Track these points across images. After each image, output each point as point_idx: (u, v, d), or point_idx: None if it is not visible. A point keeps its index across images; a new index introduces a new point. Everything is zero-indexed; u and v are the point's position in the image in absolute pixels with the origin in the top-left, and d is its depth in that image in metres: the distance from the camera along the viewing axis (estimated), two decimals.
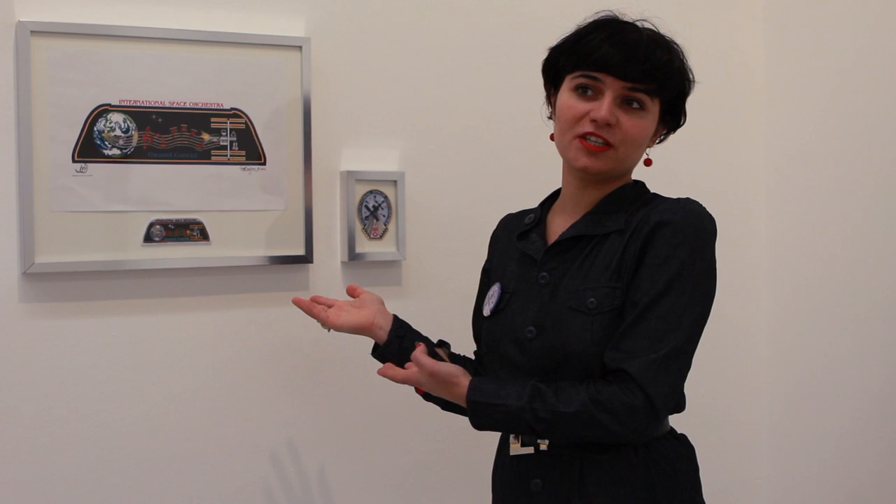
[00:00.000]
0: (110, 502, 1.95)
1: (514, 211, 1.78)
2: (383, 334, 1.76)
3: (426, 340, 1.77)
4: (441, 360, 1.71)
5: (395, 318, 1.79)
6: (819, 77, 2.43)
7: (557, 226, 1.62)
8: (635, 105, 1.52)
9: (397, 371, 1.59)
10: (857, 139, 2.34)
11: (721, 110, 2.52)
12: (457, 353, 1.80)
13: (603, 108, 1.50)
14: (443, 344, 1.78)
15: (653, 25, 1.58)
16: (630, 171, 1.62)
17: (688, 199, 1.55)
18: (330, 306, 1.82)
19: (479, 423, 1.52)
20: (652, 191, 1.63)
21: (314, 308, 1.82)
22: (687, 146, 2.41)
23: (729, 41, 2.54)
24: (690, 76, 1.60)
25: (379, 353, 1.78)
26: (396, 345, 1.75)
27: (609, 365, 1.46)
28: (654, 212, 1.51)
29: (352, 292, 1.87)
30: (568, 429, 1.46)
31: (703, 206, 1.54)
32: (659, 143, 1.64)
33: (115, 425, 1.95)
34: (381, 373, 1.60)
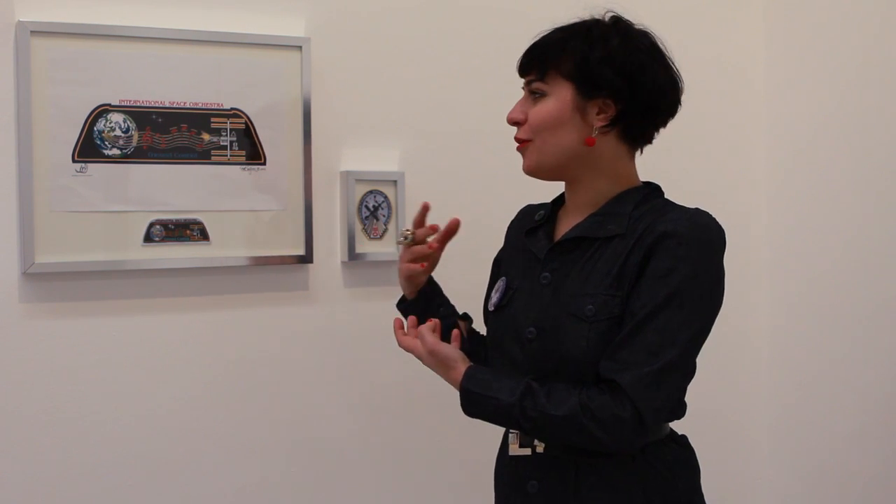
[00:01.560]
0: (111, 502, 1.95)
1: (516, 210, 1.78)
2: (414, 292, 1.79)
3: (452, 311, 1.79)
4: (460, 333, 1.70)
5: (430, 278, 1.81)
6: (819, 80, 2.43)
7: (564, 225, 1.62)
8: (537, 95, 1.56)
9: (404, 338, 1.64)
10: (858, 142, 2.34)
11: (721, 113, 2.52)
12: (477, 330, 1.80)
13: (510, 111, 1.59)
14: (466, 317, 1.80)
15: (615, 13, 1.57)
16: (575, 155, 1.55)
17: (697, 210, 1.51)
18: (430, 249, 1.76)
19: (470, 411, 1.53)
20: (668, 198, 1.59)
21: (424, 234, 1.75)
22: (687, 149, 2.41)
23: (729, 44, 2.54)
24: (608, 39, 1.52)
25: (404, 306, 1.80)
26: (423, 304, 1.77)
27: (602, 374, 1.45)
28: (661, 221, 1.48)
29: (425, 210, 1.77)
30: (555, 431, 1.46)
31: (713, 217, 1.51)
32: (611, 125, 1.53)
33: (116, 425, 1.95)
34: (396, 328, 1.67)
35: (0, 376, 1.86)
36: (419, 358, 1.60)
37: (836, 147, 2.39)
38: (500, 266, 1.73)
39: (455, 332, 1.63)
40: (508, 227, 1.78)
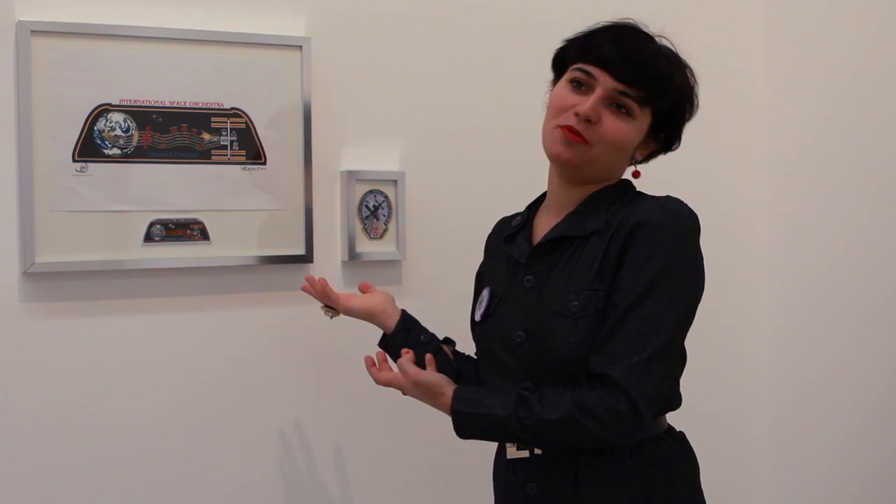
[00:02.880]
0: (110, 501, 1.95)
1: (513, 212, 1.78)
2: (392, 323, 1.80)
3: (433, 337, 1.79)
4: (447, 356, 1.74)
5: (404, 311, 1.83)
6: (819, 81, 2.43)
7: (542, 227, 1.62)
8: (623, 109, 1.51)
9: (379, 374, 1.66)
10: (858, 142, 2.33)
11: (721, 114, 2.51)
12: (461, 351, 1.80)
13: (588, 102, 1.50)
14: (448, 341, 1.80)
15: (671, 44, 1.57)
16: (614, 176, 1.60)
17: (668, 197, 1.53)
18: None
19: (464, 433, 1.52)
20: (640, 190, 1.61)
21: (326, 287, 1.84)
22: (687, 150, 2.41)
23: (729, 44, 2.54)
24: (694, 100, 1.58)
25: (385, 342, 1.81)
26: (402, 336, 1.77)
27: (592, 369, 1.45)
28: (634, 212, 1.49)
29: (364, 289, 1.90)
30: (553, 435, 1.46)
31: (685, 203, 1.52)
32: (644, 160, 1.62)
33: (116, 425, 1.95)
34: (368, 366, 1.68)
35: (0, 376, 1.86)
36: (401, 390, 1.61)
37: (836, 147, 2.39)
38: (482, 279, 1.74)
39: (428, 356, 1.64)
40: (486, 242, 1.79)
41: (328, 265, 2.12)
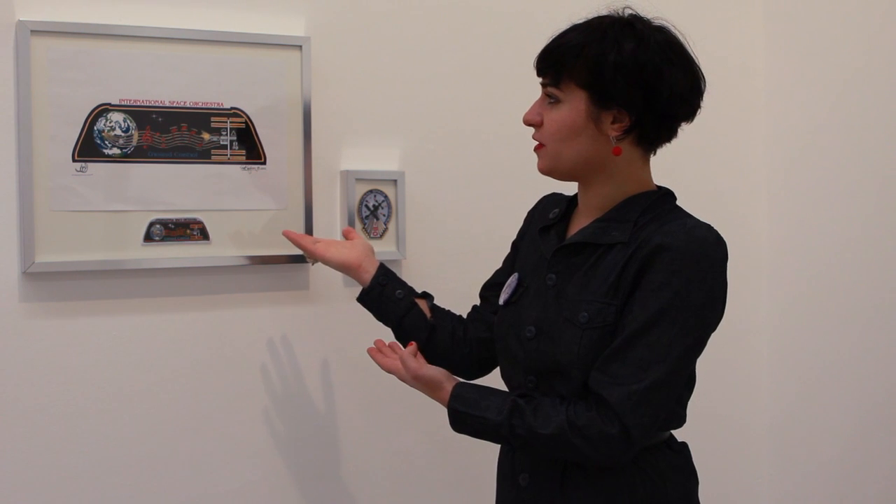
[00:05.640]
0: (110, 501, 1.95)
1: (518, 208, 1.78)
2: (368, 277, 1.82)
3: (409, 291, 1.81)
4: (421, 312, 1.78)
5: (381, 265, 1.84)
6: (819, 80, 2.43)
7: (575, 226, 1.61)
8: (552, 100, 1.54)
9: (384, 360, 1.70)
10: (858, 142, 2.34)
11: (721, 114, 2.51)
12: (440, 305, 1.83)
13: (527, 111, 1.57)
14: (426, 296, 1.82)
15: (633, 10, 1.55)
16: (620, 170, 1.53)
17: (697, 223, 1.49)
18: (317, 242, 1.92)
19: (458, 429, 1.57)
20: (678, 204, 1.58)
21: (303, 239, 1.91)
22: (687, 149, 2.41)
23: (729, 44, 2.54)
24: (629, 63, 1.46)
25: (361, 298, 1.84)
26: (378, 291, 1.80)
27: (591, 387, 1.46)
28: (659, 232, 1.46)
29: (347, 234, 1.97)
30: (542, 448, 1.49)
31: (714, 231, 1.49)
32: (624, 136, 1.51)
33: (115, 425, 1.95)
34: (369, 352, 1.73)
35: (0, 376, 1.86)
36: (401, 379, 1.66)
37: (837, 147, 2.39)
38: (517, 252, 1.73)
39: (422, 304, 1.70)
40: (530, 213, 1.76)
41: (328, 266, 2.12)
